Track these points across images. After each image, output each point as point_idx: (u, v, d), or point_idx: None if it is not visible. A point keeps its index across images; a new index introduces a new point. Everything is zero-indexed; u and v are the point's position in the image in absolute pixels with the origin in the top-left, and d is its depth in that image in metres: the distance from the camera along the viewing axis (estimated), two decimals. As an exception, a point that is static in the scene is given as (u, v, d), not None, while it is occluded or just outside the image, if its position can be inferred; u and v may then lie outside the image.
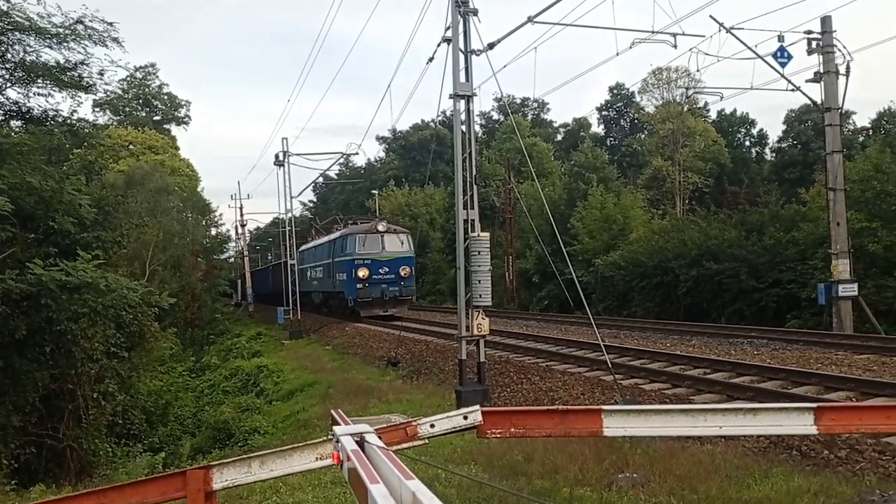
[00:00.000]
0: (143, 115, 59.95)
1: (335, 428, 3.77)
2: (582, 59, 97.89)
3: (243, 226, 60.09)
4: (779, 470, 6.72)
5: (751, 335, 17.78)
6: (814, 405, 4.08)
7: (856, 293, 19.67)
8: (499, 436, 4.41)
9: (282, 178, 34.36)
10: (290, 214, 36.40)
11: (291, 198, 35.25)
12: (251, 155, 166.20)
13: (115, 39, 16.37)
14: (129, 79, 56.77)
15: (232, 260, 65.05)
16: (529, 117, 70.12)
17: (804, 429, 4.12)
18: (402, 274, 28.43)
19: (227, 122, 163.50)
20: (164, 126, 61.27)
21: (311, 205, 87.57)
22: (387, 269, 28.62)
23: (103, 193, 18.27)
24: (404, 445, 4.20)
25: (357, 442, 3.47)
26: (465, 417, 4.22)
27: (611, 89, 65.79)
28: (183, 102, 64.30)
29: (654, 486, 6.50)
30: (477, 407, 4.28)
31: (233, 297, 64.62)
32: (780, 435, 7.09)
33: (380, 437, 4.02)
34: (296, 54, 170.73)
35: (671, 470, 6.80)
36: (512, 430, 4.36)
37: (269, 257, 71.16)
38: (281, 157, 34.01)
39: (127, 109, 58.99)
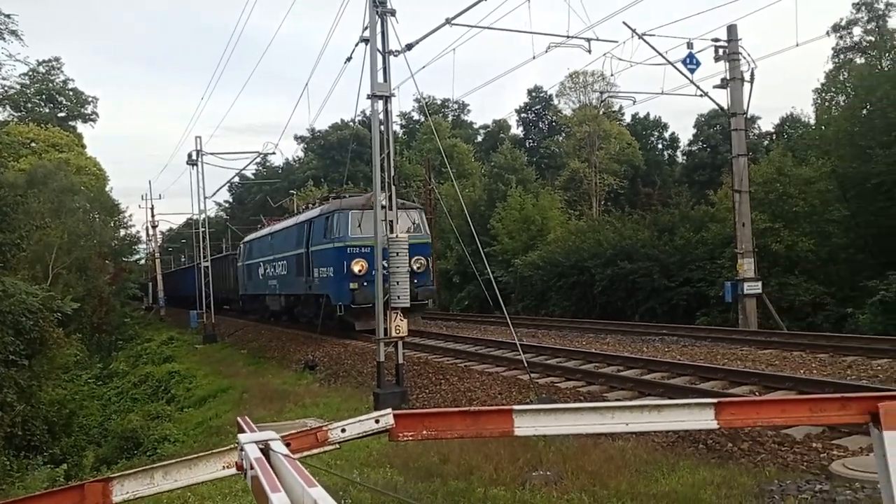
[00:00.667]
0: (47, 111, 57.16)
1: (239, 436, 3.65)
2: (501, 61, 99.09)
3: (154, 227, 58.25)
4: (685, 463, 6.92)
5: (662, 332, 18.33)
6: (714, 401, 4.20)
7: (760, 291, 20.56)
8: (411, 438, 4.36)
9: (195, 177, 33.40)
10: (203, 215, 35.34)
11: (205, 198, 34.19)
12: (163, 154, 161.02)
13: (14, 32, 15.61)
14: (30, 73, 54.03)
15: (143, 262, 62.93)
16: (450, 118, 70.47)
17: (706, 423, 4.24)
18: (416, 268, 19.88)
19: (138, 119, 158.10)
20: (70, 123, 58.55)
21: (227, 205, 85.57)
22: None
23: (1, 193, 17.36)
24: (315, 451, 4.11)
25: (262, 449, 3.37)
26: (377, 421, 4.16)
27: (529, 92, 66.79)
28: (90, 98, 61.59)
29: (566, 483, 6.58)
30: (389, 410, 4.23)
31: (143, 301, 62.63)
32: (686, 430, 7.30)
33: (288, 444, 3.91)
34: (210, 51, 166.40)
35: (583, 466, 6.91)
36: (424, 432, 4.32)
37: (183, 259, 69.14)
38: (194, 157, 33.03)
39: (28, 105, 56.09)
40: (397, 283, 12.17)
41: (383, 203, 12.82)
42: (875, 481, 4.14)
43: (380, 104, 13.13)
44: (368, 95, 13.10)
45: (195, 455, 3.92)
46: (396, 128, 63.28)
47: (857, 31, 40.60)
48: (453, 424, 4.34)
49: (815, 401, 4.43)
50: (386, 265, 12.25)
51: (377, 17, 13.05)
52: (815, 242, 23.40)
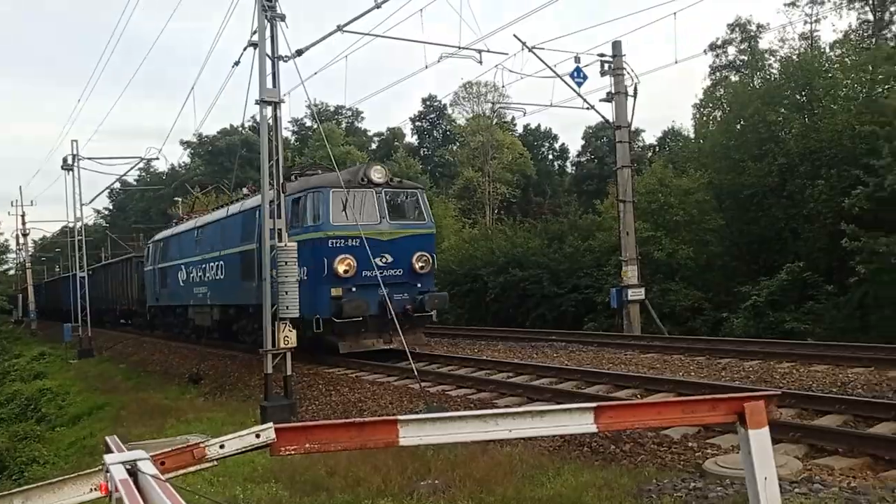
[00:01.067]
0: None
1: (105, 456, 3.46)
2: (395, 69, 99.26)
3: (25, 235, 54.92)
4: (570, 467, 7.06)
5: (551, 338, 18.75)
6: (594, 405, 4.30)
7: (643, 297, 21.42)
8: (293, 452, 4.27)
9: (71, 183, 31.62)
10: (80, 223, 33.50)
11: (82, 205, 32.39)
12: (36, 158, 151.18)
13: None
14: None
15: (12, 272, 59.20)
16: (343, 125, 69.95)
17: (586, 427, 4.36)
18: (418, 267, 15.73)
19: (8, 122, 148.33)
20: (-69, 123, 54.48)
21: (107, 212, 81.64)
22: (390, 259, 15.47)
23: None
24: (192, 469, 3.95)
25: (129, 470, 3.18)
26: (258, 436, 4.05)
27: (424, 101, 67.23)
28: (-45, 98, 57.54)
29: (454, 492, 6.58)
30: (270, 425, 4.12)
31: (13, 314, 58.99)
32: (570, 434, 7.44)
33: (163, 463, 3.74)
34: (90, 51, 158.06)
35: (471, 474, 6.94)
36: (307, 445, 4.24)
37: (58, 269, 65.44)
38: (70, 161, 31.24)
39: None
40: (286, 292, 11.90)
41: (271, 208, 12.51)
42: (744, 477, 4.35)
43: (269, 110, 12.85)
44: (257, 101, 12.80)
45: (60, 478, 3.69)
46: (287, 134, 62.32)
47: (731, 50, 43.16)
48: (337, 437, 4.27)
49: (688, 403, 4.63)
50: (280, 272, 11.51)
51: (266, 21, 12.77)
52: (694, 250, 24.60)
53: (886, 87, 22.69)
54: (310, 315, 14.77)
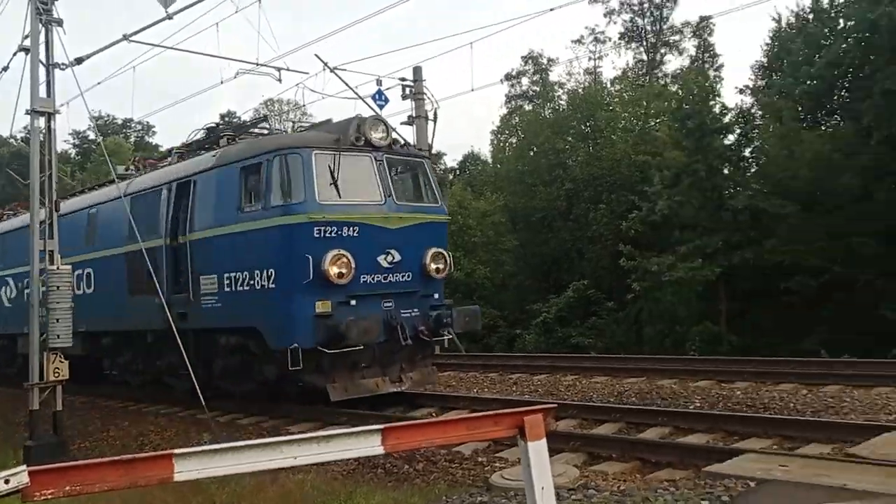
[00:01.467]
0: None
1: None
2: (191, 83, 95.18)
3: None
4: (362, 489, 6.97)
5: (352, 360, 18.58)
6: (381, 427, 4.28)
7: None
8: (51, 496, 3.85)
9: None
10: None
11: None
12: None
13: None
14: None
15: None
16: (133, 139, 65.64)
17: (373, 449, 4.32)
18: (433, 269, 11.22)
19: None
20: None
21: None
22: (397, 257, 10.75)
23: None
24: (-86, 528, 3.44)
25: None
26: (7, 481, 3.60)
27: (222, 116, 64.78)
28: None
29: (240, 526, 6.28)
30: (23, 468, 3.69)
31: None
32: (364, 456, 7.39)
33: None
34: None
35: (259, 505, 6.67)
36: (68, 488, 3.85)
37: None
38: None
39: None
40: (57, 319, 10.84)
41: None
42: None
43: (42, 121, 11.79)
44: (28, 110, 11.70)
45: None
46: (68, 147, 57.59)
47: (525, 80, 45.63)
48: (104, 476, 3.91)
49: (472, 420, 4.73)
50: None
51: (41, 25, 11.74)
52: (491, 270, 25.76)
53: (657, 120, 25.30)
54: (281, 343, 9.98)
